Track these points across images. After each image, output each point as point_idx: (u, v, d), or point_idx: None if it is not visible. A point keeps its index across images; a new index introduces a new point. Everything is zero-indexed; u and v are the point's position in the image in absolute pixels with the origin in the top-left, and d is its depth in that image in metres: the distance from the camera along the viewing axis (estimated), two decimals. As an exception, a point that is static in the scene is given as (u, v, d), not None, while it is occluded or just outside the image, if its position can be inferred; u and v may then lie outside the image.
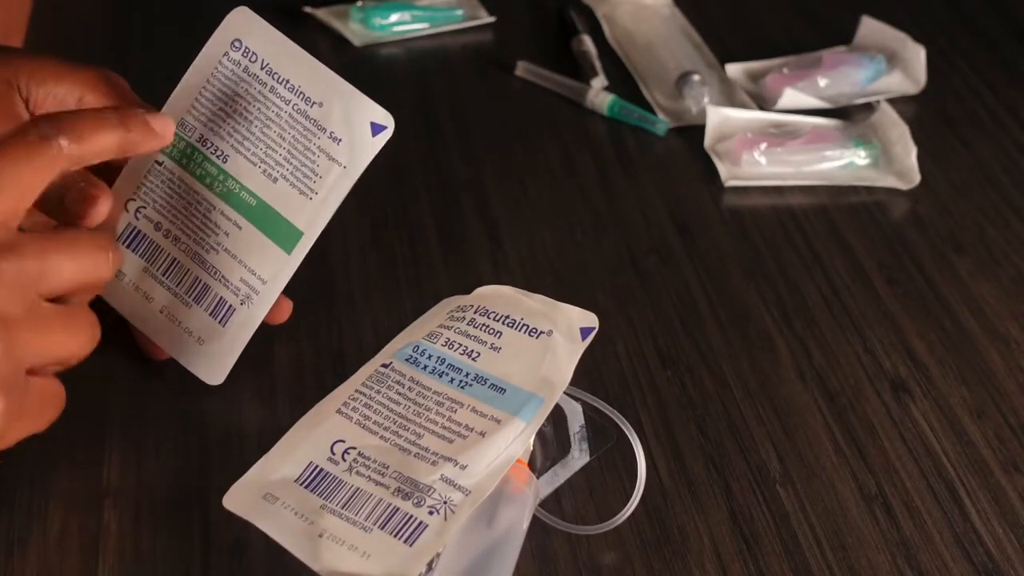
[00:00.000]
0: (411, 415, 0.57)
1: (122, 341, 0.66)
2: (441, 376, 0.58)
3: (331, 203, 0.62)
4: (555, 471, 0.60)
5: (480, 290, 0.63)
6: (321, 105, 0.62)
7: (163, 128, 0.60)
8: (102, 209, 0.62)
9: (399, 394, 0.58)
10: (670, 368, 0.69)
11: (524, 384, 0.57)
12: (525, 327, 0.60)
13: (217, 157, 0.63)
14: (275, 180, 0.63)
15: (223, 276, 0.64)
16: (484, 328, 0.60)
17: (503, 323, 0.60)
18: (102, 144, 0.57)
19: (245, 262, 0.63)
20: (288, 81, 0.62)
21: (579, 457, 0.60)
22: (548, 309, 0.61)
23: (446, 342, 0.60)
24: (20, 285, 0.52)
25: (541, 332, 0.59)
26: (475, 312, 0.61)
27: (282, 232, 0.63)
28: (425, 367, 0.59)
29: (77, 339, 0.56)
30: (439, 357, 0.59)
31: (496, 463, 0.55)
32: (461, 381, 0.58)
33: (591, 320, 0.60)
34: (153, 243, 0.65)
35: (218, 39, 0.64)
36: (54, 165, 0.55)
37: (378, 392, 0.58)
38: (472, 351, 0.59)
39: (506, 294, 0.62)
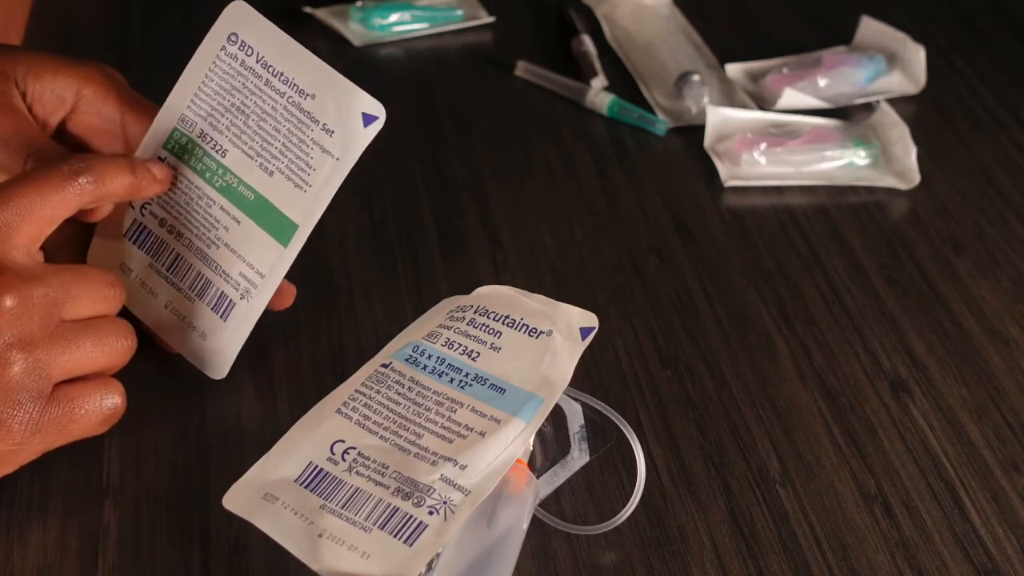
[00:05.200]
0: (411, 415, 0.57)
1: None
2: (441, 376, 0.58)
3: (325, 196, 0.62)
4: (555, 471, 0.60)
5: (480, 290, 0.63)
6: (314, 97, 0.62)
7: (163, 176, 0.64)
8: (105, 206, 0.63)
9: (399, 394, 0.57)
10: (670, 368, 0.69)
11: (524, 384, 0.57)
12: (525, 327, 0.60)
13: (216, 152, 0.64)
14: (271, 174, 0.63)
15: (223, 271, 0.64)
16: (484, 328, 0.60)
17: (503, 323, 0.60)
18: (117, 187, 0.61)
19: (244, 256, 0.63)
20: (282, 74, 0.62)
21: (579, 457, 0.60)
22: (548, 309, 0.61)
23: (446, 342, 0.60)
24: (45, 311, 0.56)
25: (541, 332, 0.59)
26: (475, 312, 0.61)
27: (278, 225, 0.63)
28: (425, 367, 0.59)
29: (105, 351, 0.59)
30: (439, 357, 0.59)
31: (496, 463, 0.55)
32: (461, 381, 0.58)
33: (591, 320, 0.60)
34: (158, 239, 0.65)
35: (215, 34, 0.64)
36: (77, 201, 0.59)
37: (378, 392, 0.58)
38: (472, 351, 0.59)
39: (506, 294, 0.62)
